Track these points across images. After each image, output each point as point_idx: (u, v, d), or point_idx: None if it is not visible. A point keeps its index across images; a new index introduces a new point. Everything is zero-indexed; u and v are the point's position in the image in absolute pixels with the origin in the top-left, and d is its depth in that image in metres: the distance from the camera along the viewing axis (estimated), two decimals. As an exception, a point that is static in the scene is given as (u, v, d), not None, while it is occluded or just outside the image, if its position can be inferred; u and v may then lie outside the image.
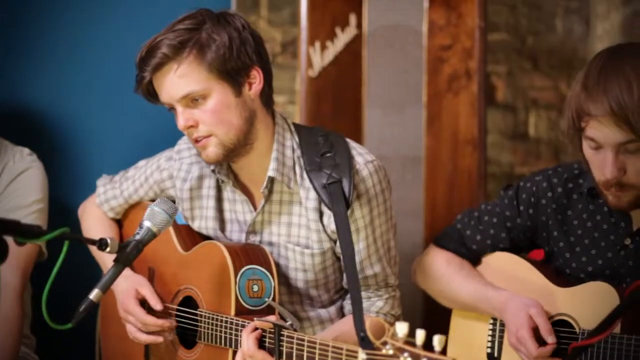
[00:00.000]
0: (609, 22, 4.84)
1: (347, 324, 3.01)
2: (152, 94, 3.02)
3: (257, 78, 2.99)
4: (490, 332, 3.11)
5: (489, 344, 3.11)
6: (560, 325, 2.94)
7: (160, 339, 3.07)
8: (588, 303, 2.89)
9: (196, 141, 2.99)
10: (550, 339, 2.88)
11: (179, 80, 2.93)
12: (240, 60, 2.95)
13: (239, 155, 3.02)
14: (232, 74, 2.94)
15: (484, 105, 4.06)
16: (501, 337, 3.08)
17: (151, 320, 3.07)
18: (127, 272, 3.12)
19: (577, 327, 2.89)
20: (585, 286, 2.93)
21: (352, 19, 4.10)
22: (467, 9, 4.02)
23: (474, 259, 3.20)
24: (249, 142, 3.01)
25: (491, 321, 3.11)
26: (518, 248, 3.17)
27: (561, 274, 3.04)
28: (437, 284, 3.21)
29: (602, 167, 2.76)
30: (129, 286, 3.13)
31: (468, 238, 3.18)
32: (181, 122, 2.96)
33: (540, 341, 2.91)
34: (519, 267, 3.11)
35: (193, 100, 2.94)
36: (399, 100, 4.12)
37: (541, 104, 5.02)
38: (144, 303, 3.12)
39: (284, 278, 3.08)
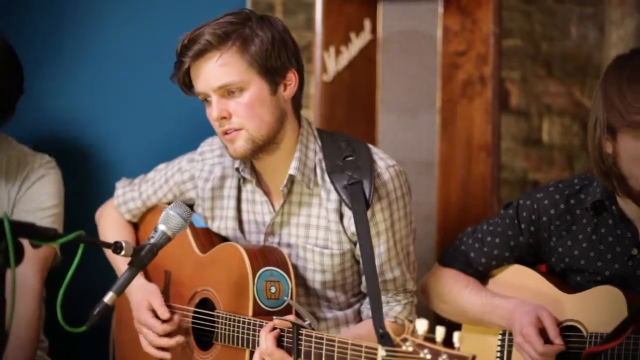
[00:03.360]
0: (623, 29, 4.83)
1: (365, 327, 3.02)
2: (186, 84, 3.03)
3: (292, 81, 3.01)
4: (499, 344, 3.11)
5: (498, 354, 3.11)
6: (569, 330, 2.95)
7: (168, 355, 3.09)
8: (596, 307, 2.91)
9: (225, 134, 2.99)
10: (558, 340, 2.90)
11: (220, 70, 2.93)
12: (280, 59, 2.97)
13: (265, 152, 3.03)
14: (271, 71, 2.96)
15: (498, 111, 4.06)
16: (510, 347, 3.08)
17: (167, 328, 3.08)
18: (140, 280, 3.15)
19: (585, 331, 2.90)
20: (592, 291, 2.94)
21: (367, 24, 4.11)
22: (482, 14, 4.02)
23: (480, 278, 3.21)
24: (276, 141, 3.02)
25: (500, 334, 3.12)
26: (524, 263, 3.17)
27: (570, 282, 3.05)
28: (445, 301, 3.22)
29: None
30: (142, 297, 3.14)
31: (473, 260, 3.19)
32: (215, 113, 2.96)
33: (547, 341, 2.92)
34: (528, 277, 3.12)
35: (229, 92, 2.95)
36: (413, 105, 4.12)
37: (555, 110, 5.02)
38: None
39: (301, 279, 3.09)
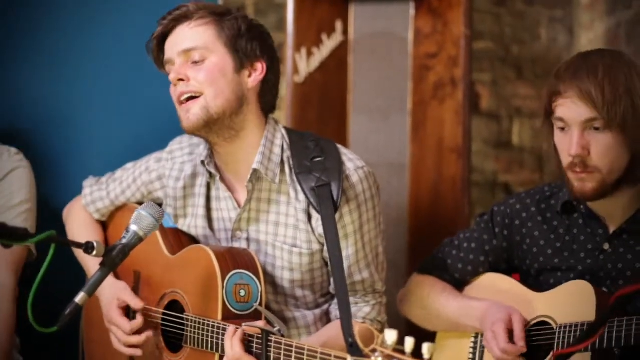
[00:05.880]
0: (592, 32, 4.86)
1: (334, 329, 3.01)
2: (159, 58, 3.08)
3: (259, 70, 3.04)
4: (471, 345, 3.13)
5: (470, 355, 3.12)
6: (540, 326, 2.99)
7: (139, 352, 3.09)
8: (566, 301, 2.95)
9: (180, 100, 3.00)
10: (521, 342, 2.94)
11: (189, 32, 3.00)
12: (251, 45, 3.03)
13: (221, 137, 3.02)
14: (239, 52, 3.01)
15: (469, 113, 4.07)
16: (482, 347, 3.09)
17: (135, 325, 3.07)
18: (110, 279, 3.14)
19: (555, 323, 2.94)
20: (562, 287, 2.98)
21: (339, 25, 4.11)
22: (453, 17, 4.04)
23: (457, 286, 3.23)
24: (234, 127, 3.02)
25: (472, 338, 3.14)
26: (498, 271, 3.20)
27: (543, 285, 3.08)
28: (422, 306, 3.23)
29: (568, 146, 2.89)
30: (112, 296, 3.14)
31: (450, 267, 3.22)
32: (172, 74, 3.01)
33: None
34: (501, 281, 3.15)
35: (194, 61, 2.99)
36: (384, 107, 4.13)
37: (525, 113, 5.04)
38: (128, 312, 3.12)
39: (270, 277, 3.09)
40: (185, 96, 2.99)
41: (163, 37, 3.06)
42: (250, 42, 3.02)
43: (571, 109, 2.87)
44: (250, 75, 3.03)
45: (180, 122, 3.03)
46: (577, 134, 2.87)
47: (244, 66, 3.02)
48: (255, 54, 3.03)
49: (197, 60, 2.99)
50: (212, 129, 3.00)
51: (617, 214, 2.98)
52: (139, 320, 3.07)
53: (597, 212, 3.01)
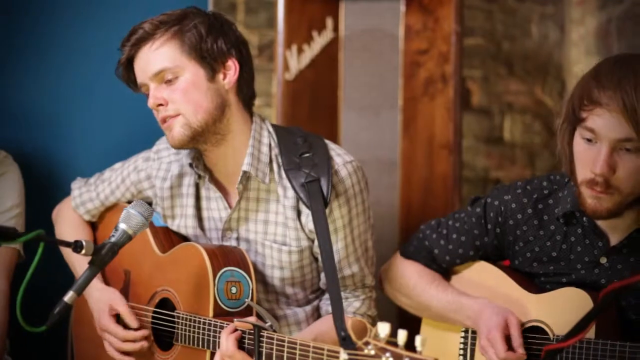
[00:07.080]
0: (584, 28, 4.86)
1: (325, 324, 3.02)
2: (132, 80, 3.06)
3: (232, 69, 3.02)
4: (462, 342, 3.11)
5: (461, 352, 3.11)
6: (533, 331, 2.94)
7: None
8: (561, 309, 2.89)
9: (163, 122, 3.00)
10: (521, 349, 2.88)
11: (153, 55, 2.97)
12: (217, 46, 2.99)
13: (209, 143, 3.02)
14: (206, 57, 2.98)
15: (460, 109, 4.07)
16: (473, 344, 3.08)
17: (129, 335, 3.08)
18: (99, 284, 3.14)
19: (551, 333, 2.90)
20: (558, 292, 2.92)
21: (329, 22, 4.11)
22: (444, 13, 4.03)
23: (444, 274, 3.19)
24: (220, 132, 3.02)
25: (462, 332, 3.11)
26: (488, 261, 3.14)
27: (534, 281, 3.04)
28: (409, 295, 3.19)
29: (593, 161, 2.70)
30: (103, 302, 3.13)
31: (437, 256, 3.17)
32: (150, 100, 2.99)
33: (510, 348, 2.91)
34: (492, 276, 3.10)
35: (167, 80, 2.97)
36: (375, 104, 4.13)
37: (516, 109, 5.04)
38: (119, 318, 3.12)
39: (260, 275, 3.09)
40: (168, 118, 2.99)
41: (129, 62, 3.04)
42: (214, 42, 2.99)
43: (608, 123, 2.65)
44: (225, 77, 3.02)
45: (167, 140, 3.04)
46: (606, 152, 2.67)
47: (216, 70, 3.00)
48: (223, 53, 3.00)
49: (171, 79, 2.97)
50: (198, 140, 3.01)
51: (621, 228, 2.86)
52: (134, 332, 3.08)
53: (600, 225, 2.89)
